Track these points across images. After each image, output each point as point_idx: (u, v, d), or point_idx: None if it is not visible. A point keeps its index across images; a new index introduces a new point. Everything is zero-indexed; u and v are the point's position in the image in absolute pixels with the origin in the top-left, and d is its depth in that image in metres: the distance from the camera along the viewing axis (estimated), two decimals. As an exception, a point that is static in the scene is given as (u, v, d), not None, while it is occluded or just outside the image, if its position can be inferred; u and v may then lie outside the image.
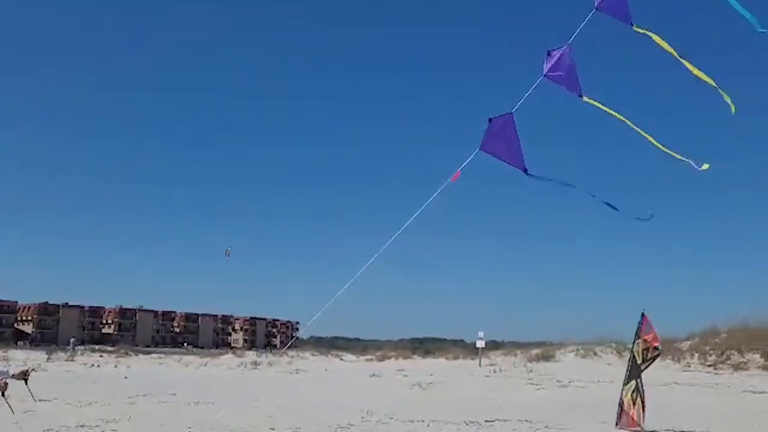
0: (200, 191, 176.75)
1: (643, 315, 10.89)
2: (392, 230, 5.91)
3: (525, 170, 5.38)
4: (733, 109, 5.06)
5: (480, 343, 28.81)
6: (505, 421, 12.82)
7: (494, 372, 25.91)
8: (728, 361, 26.08)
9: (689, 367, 26.62)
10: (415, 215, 5.82)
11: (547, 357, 30.66)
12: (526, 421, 12.78)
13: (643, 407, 9.78)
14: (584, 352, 30.01)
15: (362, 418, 12.94)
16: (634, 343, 10.88)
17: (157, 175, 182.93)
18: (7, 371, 5.65)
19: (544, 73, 5.26)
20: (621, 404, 10.04)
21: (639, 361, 10.47)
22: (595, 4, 5.22)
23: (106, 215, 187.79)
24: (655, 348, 10.47)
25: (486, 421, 12.72)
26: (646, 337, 10.50)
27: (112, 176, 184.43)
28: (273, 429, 11.47)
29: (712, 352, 26.99)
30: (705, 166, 5.10)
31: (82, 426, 11.11)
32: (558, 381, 22.09)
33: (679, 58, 5.10)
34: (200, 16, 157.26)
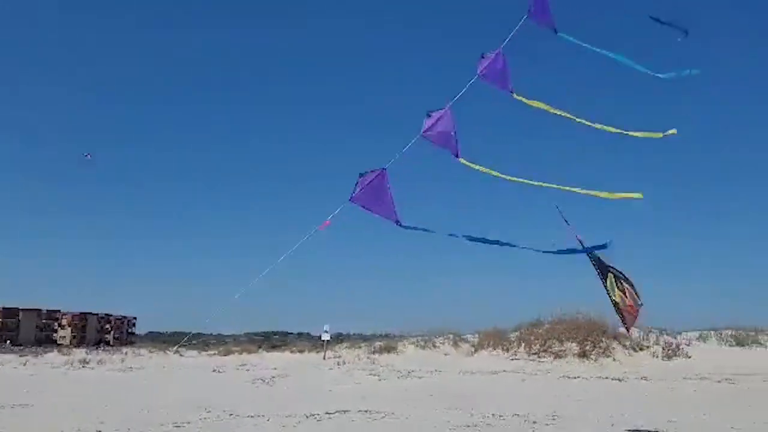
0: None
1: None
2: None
3: (398, 222, 5.49)
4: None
5: (325, 336, 28.99)
6: (345, 412, 13.02)
7: (338, 365, 26.21)
8: (550, 350, 28.61)
9: (516, 355, 28.85)
10: (278, 261, 5.66)
11: (389, 349, 31.61)
12: (366, 411, 13.10)
13: (632, 286, 8.28)
14: (423, 344, 31.34)
15: (200, 415, 12.47)
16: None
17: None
18: None
19: (422, 131, 5.40)
20: (616, 306, 8.34)
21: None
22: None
23: None
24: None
25: (326, 413, 12.83)
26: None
27: None
28: (100, 432, 10.67)
29: (536, 341, 29.42)
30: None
31: None
32: (398, 372, 22.86)
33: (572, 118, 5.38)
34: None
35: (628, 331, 8.01)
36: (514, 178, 5.36)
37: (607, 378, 21.61)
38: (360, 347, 32.93)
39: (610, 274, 8.00)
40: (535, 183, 5.12)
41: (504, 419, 12.10)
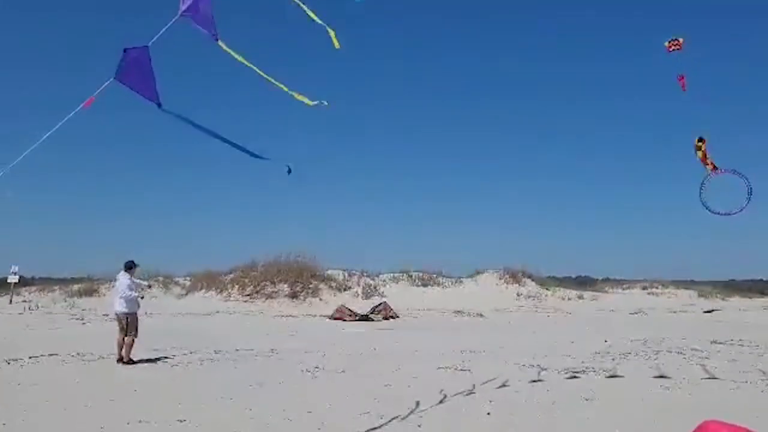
0: None
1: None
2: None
3: (159, 104, 5.29)
4: (336, 44, 5.62)
5: (12, 278, 25.49)
6: (51, 355, 11.90)
7: (30, 309, 23.39)
8: (263, 291, 29.63)
9: (230, 297, 29.24)
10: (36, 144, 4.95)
11: (90, 292, 29.29)
12: (76, 354, 12.16)
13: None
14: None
15: None
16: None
17: None
18: None
19: (180, 12, 5.13)
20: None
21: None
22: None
23: None
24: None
25: (30, 357, 11.58)
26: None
27: None
28: None
29: (250, 283, 30.17)
30: (322, 103, 5.57)
31: None
32: (105, 315, 21.39)
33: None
34: None
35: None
36: (263, 73, 5.47)
37: (315, 316, 23.32)
38: (54, 290, 29.83)
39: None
40: (265, 75, 5.40)
41: (226, 353, 12.42)
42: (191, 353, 12.49)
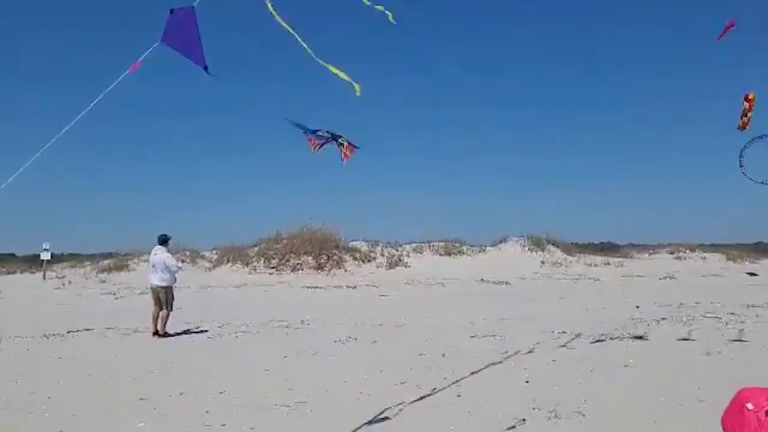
0: None
1: None
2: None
3: (206, 68, 5.06)
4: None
5: (45, 255, 25.94)
6: (88, 330, 12.13)
7: (63, 285, 23.85)
8: (288, 263, 29.84)
9: (255, 270, 29.49)
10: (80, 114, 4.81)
11: (120, 267, 29.71)
12: (113, 328, 12.37)
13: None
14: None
15: None
16: None
17: None
18: None
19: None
20: (341, 144, 9.69)
21: None
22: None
23: None
24: None
25: (68, 332, 11.82)
26: None
27: None
28: None
29: (275, 256, 30.38)
30: (357, 87, 5.31)
31: None
32: (136, 288, 21.71)
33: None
34: None
35: (345, 160, 9.18)
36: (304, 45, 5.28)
37: (342, 287, 23.44)
38: (85, 266, 30.34)
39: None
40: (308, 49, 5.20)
41: (259, 325, 12.55)
42: (224, 326, 12.63)
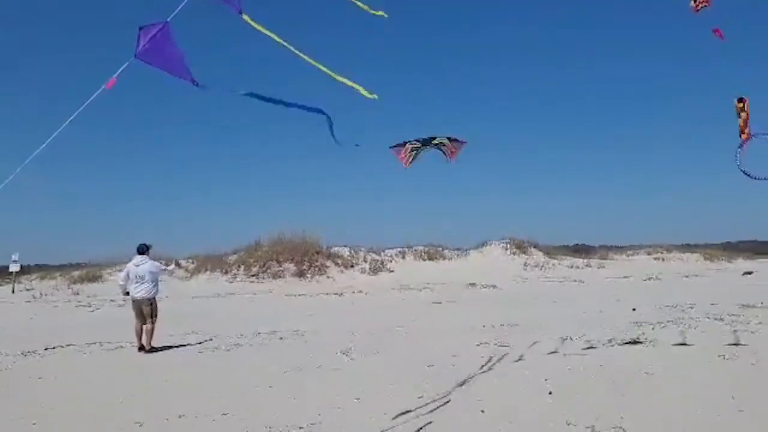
0: None
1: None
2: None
3: (194, 83, 4.78)
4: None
5: (14, 267, 24.84)
6: (67, 346, 11.40)
7: (34, 297, 22.81)
8: (269, 271, 29.14)
9: (236, 278, 28.73)
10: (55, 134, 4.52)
11: (92, 278, 28.70)
12: (93, 343, 11.67)
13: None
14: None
15: None
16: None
17: None
18: None
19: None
20: (440, 145, 8.63)
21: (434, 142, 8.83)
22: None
23: None
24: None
25: (46, 348, 11.07)
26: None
27: None
28: None
29: (255, 263, 29.65)
30: (374, 96, 4.97)
31: None
32: (112, 301, 20.86)
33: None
34: None
35: (451, 158, 8.32)
36: (291, 47, 4.94)
37: (328, 294, 22.86)
38: (55, 277, 29.24)
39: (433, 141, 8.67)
40: (302, 55, 4.88)
41: (250, 336, 11.95)
42: (213, 338, 12.01)
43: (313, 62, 4.95)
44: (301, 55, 4.95)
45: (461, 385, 7.32)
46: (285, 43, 4.91)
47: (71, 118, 4.57)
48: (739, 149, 8.91)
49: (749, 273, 28.62)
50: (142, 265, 11.00)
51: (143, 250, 11.22)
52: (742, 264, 37.24)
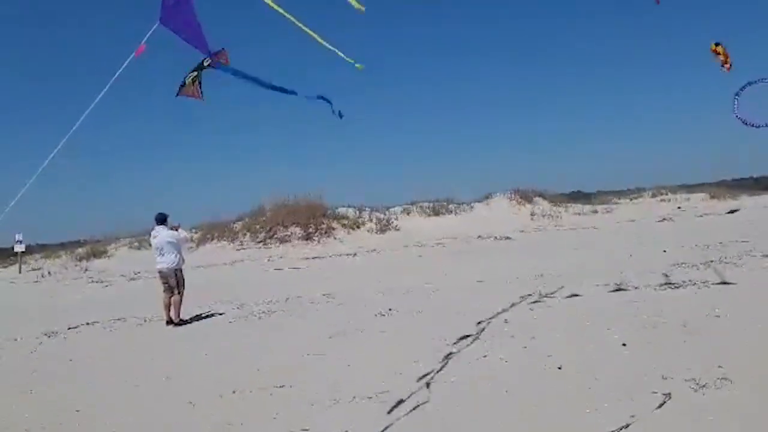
0: None
1: None
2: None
3: (209, 53, 4.58)
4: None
5: (19, 247, 24.28)
6: (90, 323, 10.96)
7: (42, 277, 22.30)
8: (275, 236, 28.65)
9: (243, 245, 28.24)
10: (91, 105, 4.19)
11: (98, 254, 28.17)
12: (117, 320, 11.23)
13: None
14: (139, 244, 28.63)
15: None
16: None
17: None
18: None
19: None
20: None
21: None
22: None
23: None
24: None
25: (69, 328, 10.64)
26: None
27: None
28: None
29: (261, 229, 29.12)
30: (359, 66, 5.16)
31: None
32: (122, 275, 20.43)
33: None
34: None
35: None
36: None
37: (340, 255, 22.45)
38: (60, 255, 28.69)
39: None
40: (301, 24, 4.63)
41: (278, 302, 11.54)
42: (241, 306, 11.58)
43: (302, 26, 4.68)
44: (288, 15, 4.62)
45: (528, 345, 6.90)
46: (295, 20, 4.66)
47: (105, 89, 4.31)
48: (736, 97, 8.40)
49: (732, 212, 28.56)
50: (159, 236, 10.53)
51: (160, 220, 10.72)
52: (747, 201, 37.03)
